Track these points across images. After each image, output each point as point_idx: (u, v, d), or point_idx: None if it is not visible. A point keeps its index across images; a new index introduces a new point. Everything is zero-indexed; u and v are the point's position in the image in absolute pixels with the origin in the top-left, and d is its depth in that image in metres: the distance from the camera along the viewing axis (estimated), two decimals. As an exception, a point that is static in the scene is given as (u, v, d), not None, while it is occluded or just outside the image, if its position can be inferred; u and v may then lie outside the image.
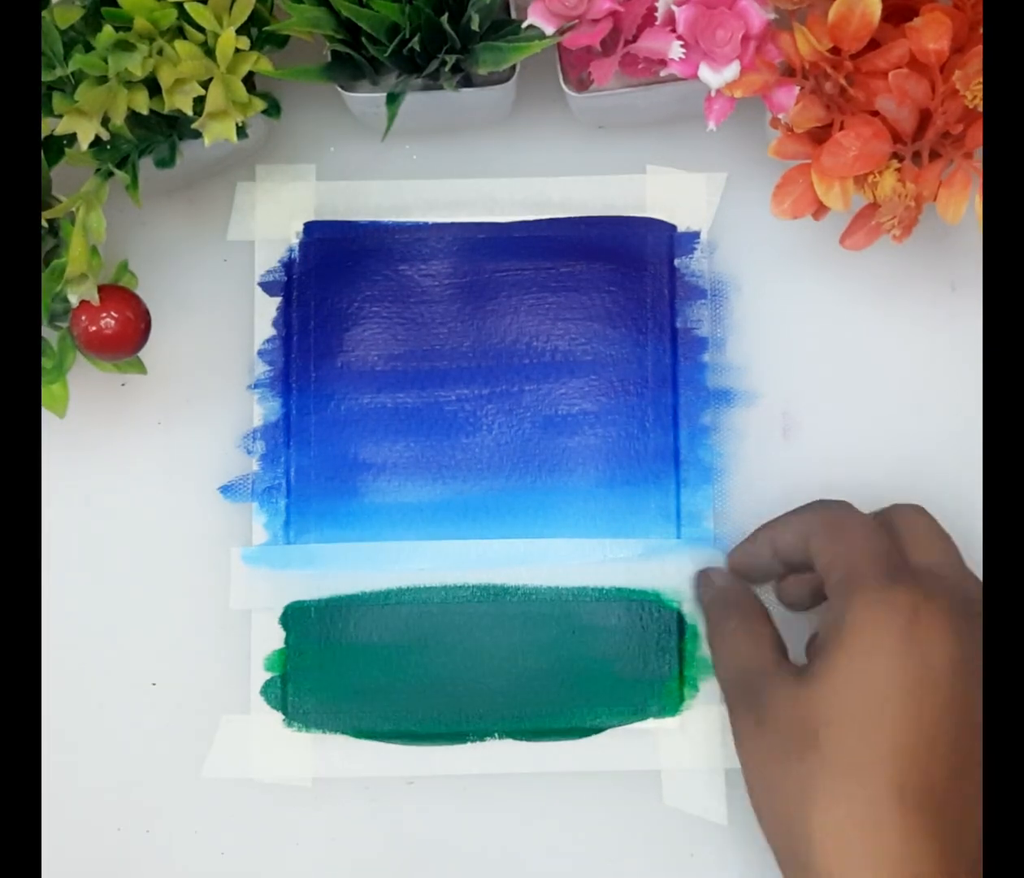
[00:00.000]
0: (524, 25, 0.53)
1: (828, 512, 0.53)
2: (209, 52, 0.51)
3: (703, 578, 0.56)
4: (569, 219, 0.60)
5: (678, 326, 0.59)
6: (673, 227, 0.60)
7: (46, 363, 0.54)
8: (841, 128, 0.52)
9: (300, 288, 0.59)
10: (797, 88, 0.52)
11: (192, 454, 0.59)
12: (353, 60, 0.54)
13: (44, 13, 0.50)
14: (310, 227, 0.60)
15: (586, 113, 0.59)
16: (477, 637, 0.57)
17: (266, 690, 0.57)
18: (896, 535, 0.53)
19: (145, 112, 0.51)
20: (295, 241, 0.60)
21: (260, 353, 0.59)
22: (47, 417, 0.54)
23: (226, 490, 0.59)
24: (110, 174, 0.53)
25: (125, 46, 0.50)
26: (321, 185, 0.60)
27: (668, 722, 0.57)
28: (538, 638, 0.57)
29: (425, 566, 0.57)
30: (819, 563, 0.52)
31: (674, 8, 0.52)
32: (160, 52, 0.51)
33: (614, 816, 0.57)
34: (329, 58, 0.54)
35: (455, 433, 0.58)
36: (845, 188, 0.52)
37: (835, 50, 0.51)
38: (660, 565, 0.57)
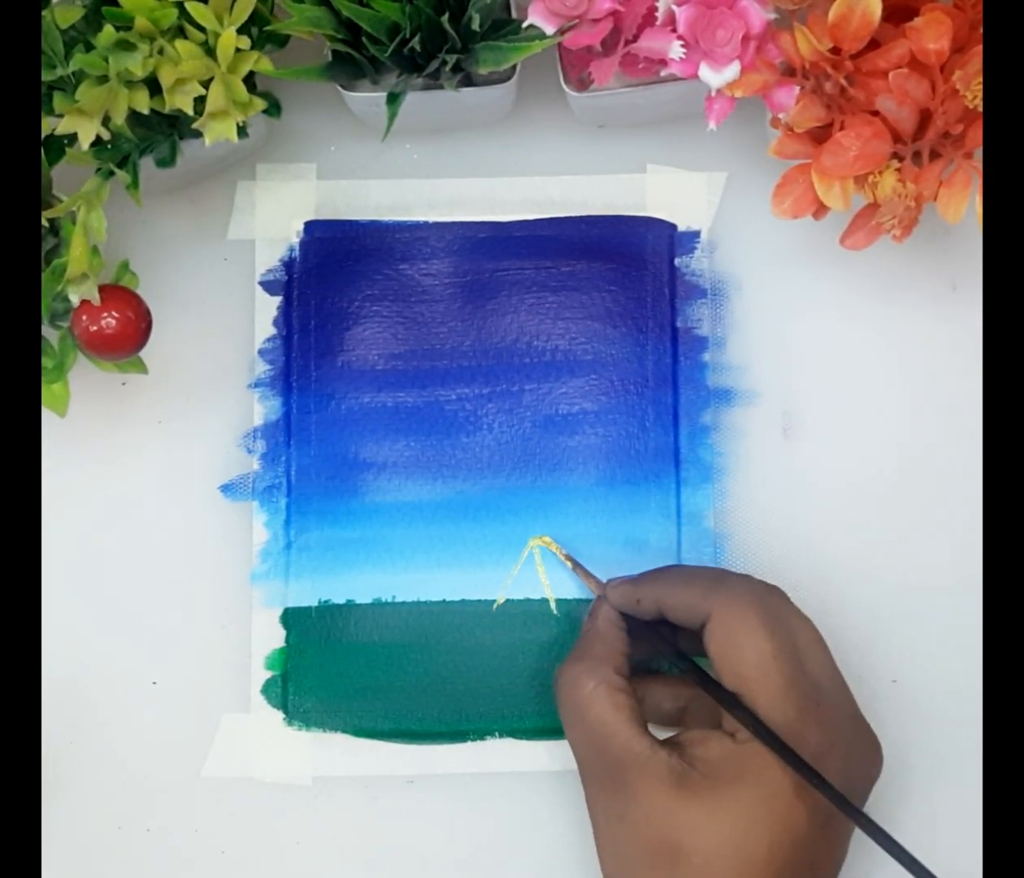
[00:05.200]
0: (524, 25, 0.53)
1: (729, 599, 0.50)
2: (210, 52, 0.51)
3: (594, 606, 0.55)
4: (569, 218, 0.60)
5: (678, 325, 0.59)
6: (673, 226, 0.60)
7: (47, 363, 0.54)
8: (841, 128, 0.52)
9: (300, 287, 0.59)
10: (797, 88, 0.52)
11: (192, 453, 0.59)
12: (353, 60, 0.54)
13: (45, 13, 0.50)
14: (310, 226, 0.60)
15: (586, 113, 0.59)
16: (477, 636, 0.57)
17: (266, 689, 0.57)
18: (790, 631, 0.51)
19: (146, 111, 0.51)
20: (295, 240, 0.60)
21: (260, 352, 0.59)
22: (47, 417, 0.54)
23: (227, 489, 0.59)
24: (111, 173, 0.53)
25: (126, 46, 0.50)
26: (321, 184, 0.60)
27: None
28: (538, 637, 0.57)
29: (425, 565, 0.57)
30: (713, 655, 0.50)
31: (674, 8, 0.52)
32: (161, 52, 0.51)
33: (614, 815, 0.57)
34: (329, 58, 0.54)
35: (455, 432, 0.58)
36: (845, 188, 0.52)
37: (835, 50, 0.51)
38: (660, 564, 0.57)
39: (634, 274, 0.59)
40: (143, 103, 0.51)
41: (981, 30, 0.50)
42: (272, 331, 0.59)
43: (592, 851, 0.57)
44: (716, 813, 0.48)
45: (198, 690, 0.58)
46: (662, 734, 0.51)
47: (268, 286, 0.60)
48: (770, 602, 0.51)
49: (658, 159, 0.60)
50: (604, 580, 0.56)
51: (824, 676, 0.50)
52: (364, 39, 0.53)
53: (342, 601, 0.57)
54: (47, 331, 0.54)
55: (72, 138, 0.52)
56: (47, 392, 0.54)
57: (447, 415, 0.58)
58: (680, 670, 0.53)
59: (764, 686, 0.49)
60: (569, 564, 0.56)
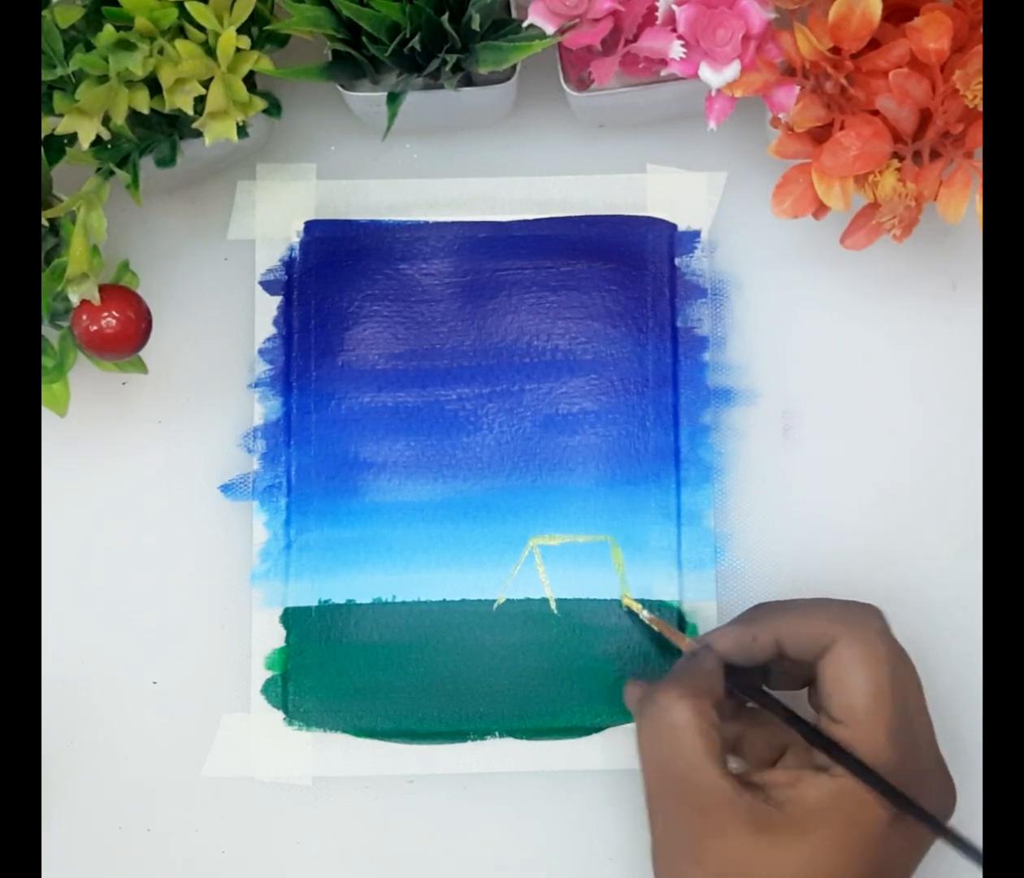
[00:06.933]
0: (525, 24, 0.53)
1: (858, 627, 0.49)
2: (210, 51, 0.51)
3: (700, 652, 0.52)
4: (570, 218, 0.60)
5: (678, 325, 0.59)
6: (673, 226, 0.60)
7: (47, 362, 0.54)
8: (841, 128, 0.52)
9: (301, 287, 0.59)
10: (797, 88, 0.52)
11: (192, 453, 0.59)
12: (354, 59, 0.54)
13: (45, 12, 0.50)
14: (310, 226, 0.60)
15: (587, 112, 0.59)
16: (477, 636, 0.57)
17: (267, 689, 0.57)
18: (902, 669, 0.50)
19: (146, 111, 0.51)
20: (296, 240, 0.60)
21: (261, 352, 0.59)
22: (47, 416, 0.54)
23: (227, 489, 0.59)
24: (111, 173, 0.53)
25: (126, 45, 0.50)
26: (321, 184, 0.60)
27: (668, 721, 0.56)
28: (538, 638, 0.57)
29: (425, 564, 0.57)
30: (829, 681, 0.49)
31: (675, 8, 0.52)
32: (161, 51, 0.51)
33: (614, 815, 0.57)
34: (330, 57, 0.54)
35: (456, 432, 0.58)
36: (845, 188, 0.52)
37: (835, 50, 0.51)
38: (660, 564, 0.57)
39: (634, 274, 0.59)
40: (143, 103, 0.51)
41: (981, 30, 0.50)
42: (272, 331, 0.59)
43: (592, 850, 0.57)
44: (805, 855, 0.47)
45: (198, 690, 0.58)
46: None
47: (268, 286, 0.60)
48: (892, 636, 0.50)
49: (658, 159, 0.60)
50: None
51: (920, 720, 0.50)
52: (364, 39, 0.53)
53: (342, 601, 0.57)
54: (47, 331, 0.54)
55: (72, 138, 0.52)
56: (47, 392, 0.54)
57: (447, 415, 0.58)
58: (777, 714, 0.51)
59: (871, 724, 0.48)
60: (655, 626, 0.56)
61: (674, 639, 0.55)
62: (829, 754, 0.48)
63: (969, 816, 0.55)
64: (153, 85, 0.51)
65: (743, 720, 0.53)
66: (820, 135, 0.53)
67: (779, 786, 0.49)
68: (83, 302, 0.52)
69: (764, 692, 0.52)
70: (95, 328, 0.52)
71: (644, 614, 0.56)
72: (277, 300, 0.59)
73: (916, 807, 0.47)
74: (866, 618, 0.50)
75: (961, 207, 0.52)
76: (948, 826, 0.48)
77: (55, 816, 0.57)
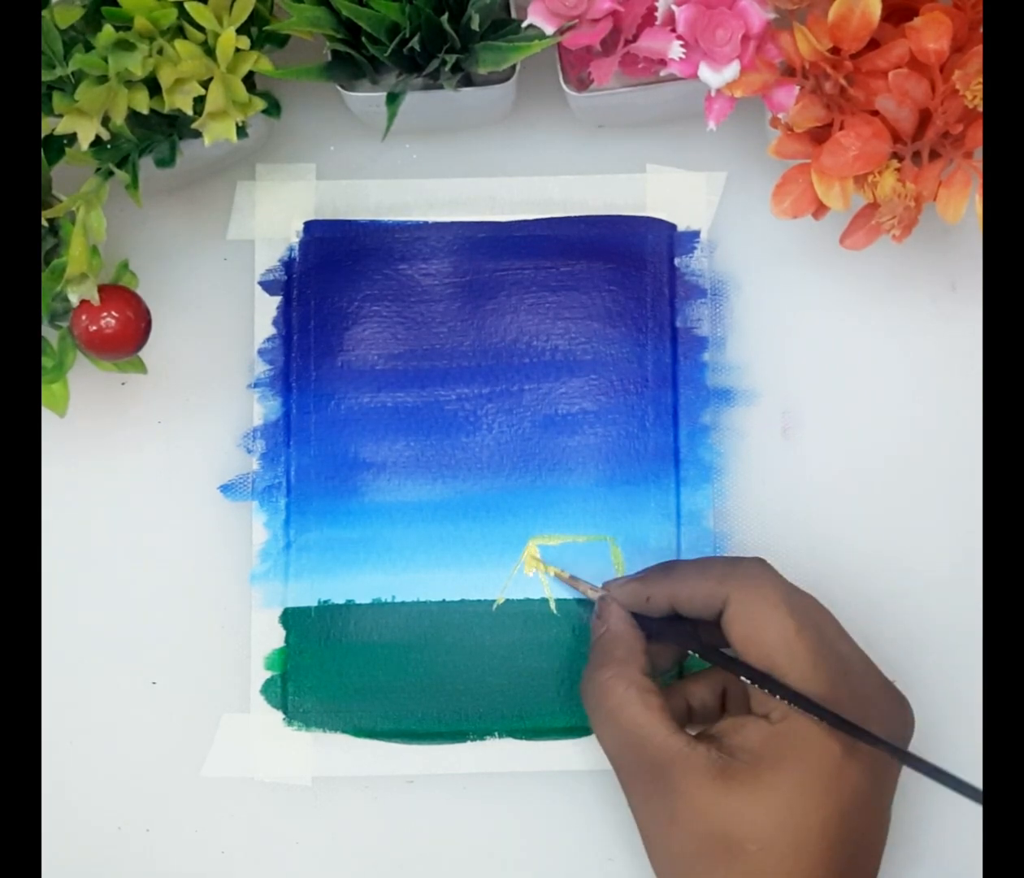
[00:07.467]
0: (524, 25, 0.53)
1: (747, 581, 0.50)
2: (209, 52, 0.51)
3: (601, 608, 0.54)
4: (569, 218, 0.60)
5: (678, 325, 0.59)
6: (673, 226, 0.60)
7: (46, 362, 0.54)
8: (841, 128, 0.52)
9: (300, 287, 0.59)
10: (797, 88, 0.52)
11: (192, 453, 0.59)
12: (353, 59, 0.54)
13: (44, 13, 0.50)
14: (310, 226, 0.60)
15: (586, 112, 0.59)
16: (477, 636, 0.57)
17: (266, 689, 0.57)
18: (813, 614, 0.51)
19: (145, 111, 0.51)
20: (295, 240, 0.60)
21: (260, 352, 0.59)
22: (47, 416, 0.54)
23: (226, 489, 0.59)
24: (110, 173, 0.53)
25: (125, 45, 0.50)
26: (321, 184, 0.60)
27: (668, 721, 0.56)
28: (538, 638, 0.57)
29: (425, 564, 0.57)
30: (736, 639, 0.50)
31: (674, 8, 0.52)
32: (160, 51, 0.51)
33: (614, 815, 0.57)
34: (329, 57, 0.54)
35: (455, 432, 0.58)
36: (845, 188, 0.52)
37: (835, 50, 0.51)
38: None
39: (634, 274, 0.59)
40: (143, 103, 0.51)
41: (981, 30, 0.50)
42: (272, 331, 0.59)
43: (592, 850, 0.57)
44: (764, 797, 0.47)
45: (198, 690, 0.58)
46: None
47: (268, 286, 0.60)
48: (781, 578, 0.51)
49: (658, 159, 0.60)
50: (599, 584, 0.56)
51: (845, 646, 0.51)
52: (364, 39, 0.53)
53: (342, 601, 0.57)
54: (47, 331, 0.54)
55: (72, 138, 0.52)
56: (47, 392, 0.54)
57: (447, 415, 0.58)
58: (706, 659, 0.52)
59: (792, 663, 0.49)
60: (564, 577, 0.56)
61: (582, 589, 0.56)
62: (765, 688, 0.49)
63: (969, 820, 0.55)
64: (153, 85, 0.51)
65: (683, 682, 0.54)
66: (820, 135, 0.53)
67: (728, 733, 0.49)
68: (82, 302, 0.52)
69: (696, 638, 0.53)
70: (94, 328, 0.52)
71: (551, 570, 0.56)
72: (276, 300, 0.60)
73: (862, 730, 0.47)
74: (751, 571, 0.51)
75: (961, 207, 0.52)
76: (907, 750, 0.48)
77: (55, 816, 0.57)
